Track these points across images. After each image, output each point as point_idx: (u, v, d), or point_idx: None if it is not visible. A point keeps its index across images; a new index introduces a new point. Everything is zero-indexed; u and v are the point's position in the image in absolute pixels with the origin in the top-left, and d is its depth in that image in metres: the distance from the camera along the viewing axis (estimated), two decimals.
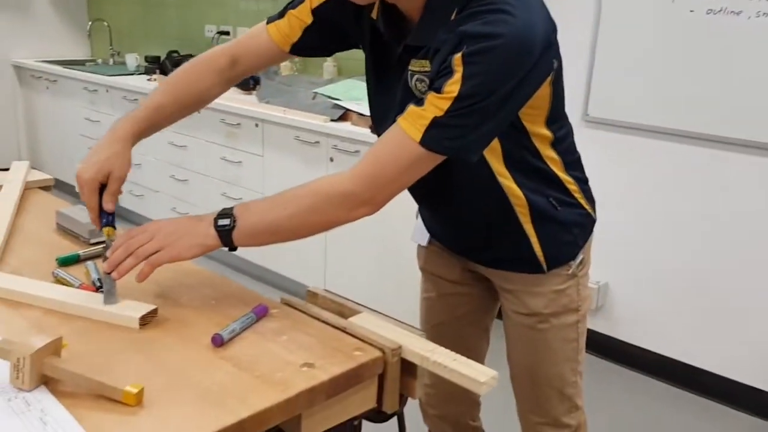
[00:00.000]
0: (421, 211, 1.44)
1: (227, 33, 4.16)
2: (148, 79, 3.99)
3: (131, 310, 1.05)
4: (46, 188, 1.74)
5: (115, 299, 1.07)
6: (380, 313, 1.13)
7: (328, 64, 3.55)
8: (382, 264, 2.88)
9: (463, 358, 1.00)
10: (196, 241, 1.08)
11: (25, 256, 1.28)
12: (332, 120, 2.91)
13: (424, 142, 1.02)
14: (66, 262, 1.24)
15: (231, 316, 1.06)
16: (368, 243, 2.89)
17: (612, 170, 2.73)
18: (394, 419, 1.13)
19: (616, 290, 2.83)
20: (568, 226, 1.29)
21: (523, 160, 1.20)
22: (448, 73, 1.00)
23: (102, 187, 1.18)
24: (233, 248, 1.10)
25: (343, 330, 1.06)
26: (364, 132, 2.74)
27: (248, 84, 3.54)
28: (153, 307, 1.06)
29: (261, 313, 1.07)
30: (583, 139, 2.73)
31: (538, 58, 1.02)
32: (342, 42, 1.29)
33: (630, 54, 2.59)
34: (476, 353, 1.50)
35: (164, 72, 4.10)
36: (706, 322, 2.61)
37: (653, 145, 2.62)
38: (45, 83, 4.72)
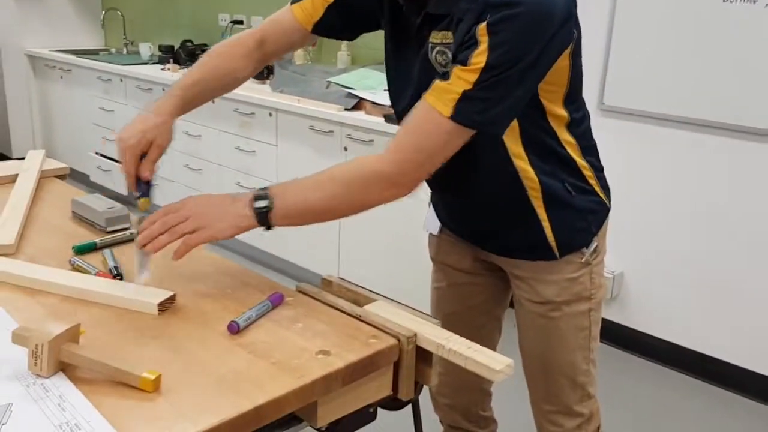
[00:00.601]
0: (434, 198, 1.43)
1: (241, 22, 4.16)
2: (162, 69, 4.00)
3: (150, 296, 1.05)
4: (61, 177, 1.75)
5: (148, 273, 1.09)
6: (395, 301, 1.12)
7: (342, 53, 3.54)
8: (395, 253, 2.88)
9: (478, 346, 0.99)
10: (233, 222, 1.08)
11: (41, 245, 1.29)
12: (346, 109, 2.90)
13: (454, 117, 1.02)
14: (82, 250, 1.25)
15: (247, 303, 1.06)
16: (382, 232, 2.89)
17: (627, 159, 2.71)
18: (410, 407, 1.13)
19: (631, 280, 2.81)
20: (583, 213, 1.27)
21: (540, 142, 1.19)
22: (473, 44, 0.99)
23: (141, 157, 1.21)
24: (269, 228, 1.10)
25: (359, 318, 1.06)
26: (378, 121, 2.73)
27: (262, 73, 3.54)
28: (171, 293, 1.07)
29: (277, 301, 1.07)
30: (598, 128, 2.72)
31: (559, 26, 1.02)
32: (364, 21, 1.28)
33: (646, 43, 2.56)
34: (488, 343, 1.49)
35: (178, 61, 4.11)
36: (720, 312, 2.59)
37: (668, 134, 2.59)
38: (59, 72, 4.74)
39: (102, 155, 4.45)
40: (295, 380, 0.88)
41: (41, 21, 5.02)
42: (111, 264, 1.17)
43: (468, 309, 1.47)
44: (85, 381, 0.86)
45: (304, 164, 3.10)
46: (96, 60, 4.41)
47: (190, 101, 1.29)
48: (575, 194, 1.25)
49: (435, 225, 1.45)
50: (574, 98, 1.19)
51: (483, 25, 0.98)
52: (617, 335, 2.89)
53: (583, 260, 1.29)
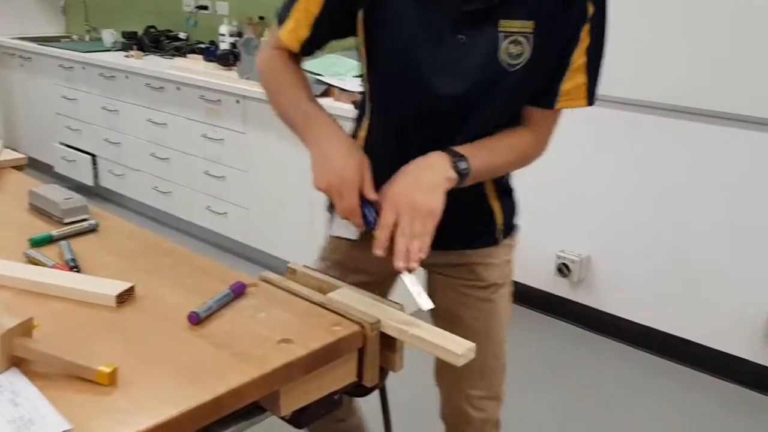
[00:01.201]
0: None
1: (205, 8, 4.09)
2: (126, 56, 3.92)
3: (108, 288, 1.03)
4: (19, 168, 1.71)
5: (425, 298, 1.03)
6: (360, 288, 1.12)
7: None
8: None
9: (441, 331, 1.00)
10: (440, 189, 1.08)
11: None
12: (315, 96, 2.87)
13: (591, 103, 1.21)
14: (39, 242, 1.22)
15: (208, 293, 1.04)
16: None
17: (595, 144, 2.73)
18: (377, 393, 1.13)
19: (598, 263, 2.84)
20: (514, 198, 1.38)
21: None
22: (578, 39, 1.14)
23: None
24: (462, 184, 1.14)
25: (322, 305, 1.05)
26: (347, 107, 2.72)
27: (228, 59, 3.49)
28: (130, 284, 1.05)
29: (238, 290, 1.06)
30: (565, 113, 2.72)
31: None
32: (352, 21, 1.18)
33: (626, 30, 2.56)
34: None
35: (141, 48, 4.03)
36: (687, 293, 2.63)
37: (633, 118, 2.62)
38: (19, 60, 4.62)
39: (66, 145, 4.37)
40: (255, 369, 0.87)
41: (0, 8, 4.89)
42: (68, 256, 1.14)
43: None
44: (40, 376, 0.84)
45: (273, 151, 3.07)
46: (57, 47, 4.31)
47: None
48: (510, 181, 1.37)
49: (352, 229, 1.36)
50: None
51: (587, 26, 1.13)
52: (585, 317, 2.92)
53: (513, 243, 1.38)
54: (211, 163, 3.43)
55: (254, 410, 0.92)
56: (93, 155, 4.19)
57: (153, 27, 4.22)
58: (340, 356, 0.98)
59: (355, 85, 2.82)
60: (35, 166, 4.69)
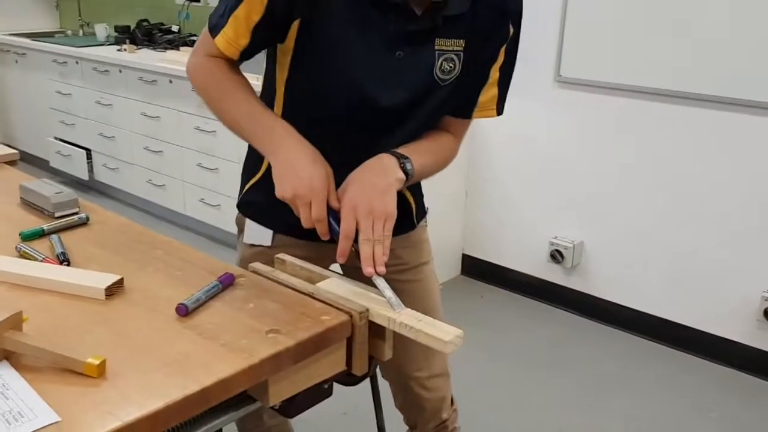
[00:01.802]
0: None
1: (197, 0, 4.08)
2: (119, 50, 3.92)
3: (97, 280, 1.04)
4: (11, 163, 1.71)
5: (396, 300, 1.03)
6: (349, 277, 1.13)
7: None
8: None
9: (429, 318, 1.00)
10: (393, 192, 1.12)
11: None
12: None
13: (500, 113, 1.30)
14: (29, 236, 1.22)
15: (197, 285, 1.05)
16: None
17: (584, 130, 2.74)
18: (368, 381, 1.14)
19: (591, 248, 2.85)
20: (420, 183, 1.40)
21: None
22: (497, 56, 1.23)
23: None
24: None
25: (310, 295, 1.06)
26: None
27: None
28: (119, 277, 1.05)
29: (227, 281, 1.07)
30: (556, 100, 2.73)
31: None
32: (289, 23, 1.17)
33: (601, 14, 2.57)
34: None
35: (134, 42, 4.03)
36: (679, 278, 2.64)
37: (624, 103, 2.62)
38: (13, 57, 4.62)
39: (61, 140, 4.37)
40: (243, 360, 0.87)
41: None
42: (58, 250, 1.15)
43: None
44: (29, 368, 0.84)
45: None
46: (51, 43, 4.30)
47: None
48: None
49: (266, 235, 1.37)
50: None
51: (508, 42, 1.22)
52: (579, 303, 2.94)
53: (426, 223, 1.46)
54: (204, 156, 3.43)
55: (243, 400, 0.93)
56: (87, 149, 4.20)
57: (146, 20, 4.21)
58: (328, 346, 0.99)
59: None
60: (30, 161, 4.69)
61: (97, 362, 0.82)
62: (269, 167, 1.28)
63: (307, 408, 1.03)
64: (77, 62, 4.06)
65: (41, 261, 1.12)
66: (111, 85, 3.87)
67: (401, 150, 1.19)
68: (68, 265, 1.12)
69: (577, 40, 2.65)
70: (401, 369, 1.45)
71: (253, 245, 1.39)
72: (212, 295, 1.03)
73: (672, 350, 2.70)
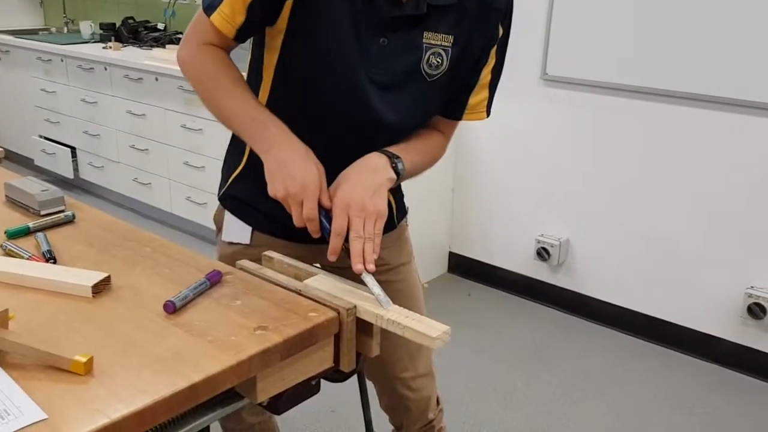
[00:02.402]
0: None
1: None
2: (104, 47, 3.89)
3: (84, 278, 1.03)
4: None
5: (385, 297, 1.04)
6: (336, 274, 1.13)
7: None
8: None
9: (417, 315, 1.01)
10: (384, 191, 1.13)
11: None
12: None
13: (488, 115, 1.31)
14: (15, 234, 1.22)
15: (184, 282, 1.05)
16: None
17: (570, 128, 2.75)
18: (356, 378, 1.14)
19: (576, 246, 2.87)
20: (401, 187, 1.41)
21: None
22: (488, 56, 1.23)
23: None
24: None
25: (298, 292, 1.06)
26: None
27: None
28: (106, 274, 1.05)
29: (215, 278, 1.07)
30: (542, 98, 2.74)
31: None
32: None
33: (586, 12, 2.59)
34: None
35: (120, 39, 4.00)
36: (666, 275, 2.67)
37: (610, 101, 2.64)
38: None
39: (46, 138, 4.33)
40: (231, 357, 0.87)
41: None
42: (44, 248, 1.14)
43: None
44: (15, 366, 0.84)
45: None
46: (36, 40, 4.26)
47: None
48: None
49: (245, 233, 1.36)
50: None
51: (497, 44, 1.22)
52: (565, 300, 2.95)
53: (406, 223, 1.47)
54: (190, 154, 3.42)
55: (231, 397, 0.93)
56: (73, 147, 4.17)
57: (131, 18, 4.19)
58: (316, 342, 0.99)
59: None
60: (15, 160, 4.65)
61: (84, 359, 0.82)
62: (250, 159, 1.28)
63: (295, 405, 1.03)
64: (62, 60, 4.03)
65: (27, 259, 1.11)
66: (96, 83, 3.84)
67: (392, 149, 1.19)
68: (54, 263, 1.11)
69: (563, 39, 2.67)
70: (386, 370, 1.45)
71: (231, 243, 1.38)
72: (200, 293, 1.03)
73: (657, 346, 2.72)
